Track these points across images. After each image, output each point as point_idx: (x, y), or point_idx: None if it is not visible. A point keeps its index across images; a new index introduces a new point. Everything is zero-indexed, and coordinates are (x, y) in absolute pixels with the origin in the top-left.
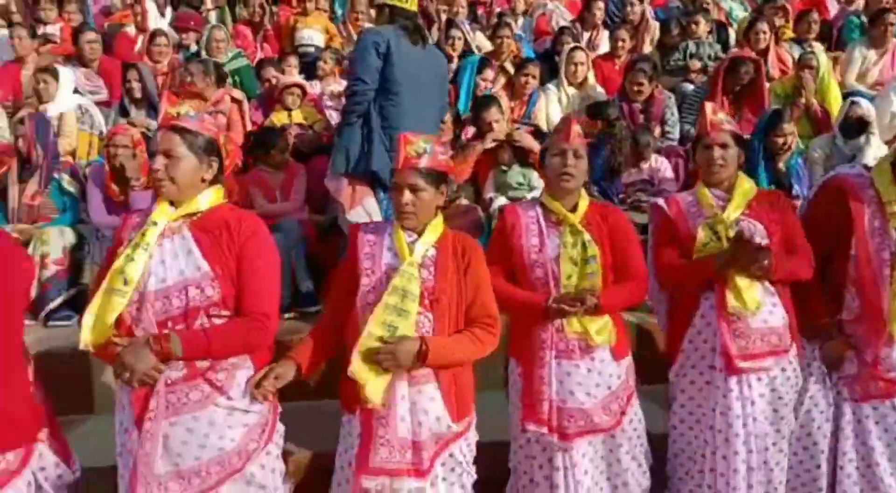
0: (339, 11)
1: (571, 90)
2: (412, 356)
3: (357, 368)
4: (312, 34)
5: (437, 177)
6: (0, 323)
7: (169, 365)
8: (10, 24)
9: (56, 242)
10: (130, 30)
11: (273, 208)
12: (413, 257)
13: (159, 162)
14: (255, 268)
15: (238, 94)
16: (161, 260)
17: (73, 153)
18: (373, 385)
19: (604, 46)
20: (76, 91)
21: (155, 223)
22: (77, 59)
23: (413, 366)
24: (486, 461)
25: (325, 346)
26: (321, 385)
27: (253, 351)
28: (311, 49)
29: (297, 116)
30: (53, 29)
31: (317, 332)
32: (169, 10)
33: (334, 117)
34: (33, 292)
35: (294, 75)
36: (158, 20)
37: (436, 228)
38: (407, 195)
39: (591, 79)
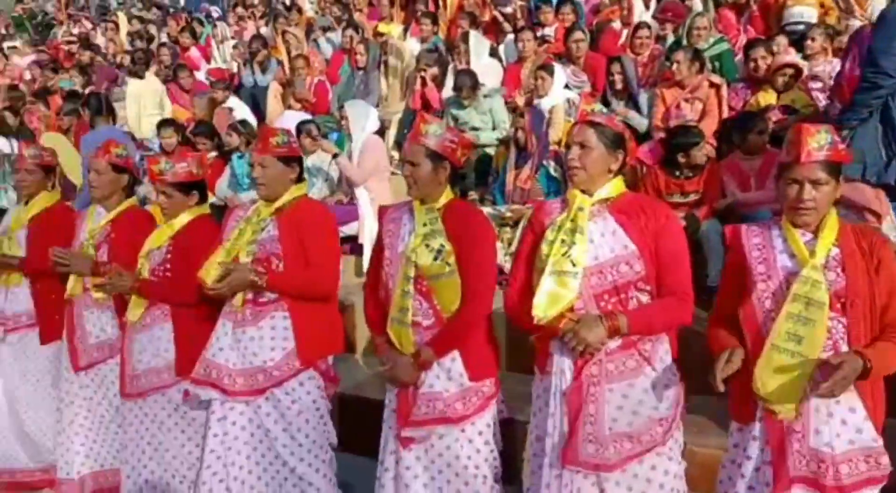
0: None
1: None
2: (855, 375)
3: (765, 386)
4: (804, 10)
5: (836, 168)
6: (478, 284)
7: None
8: (517, 30)
9: None
10: (616, 24)
11: (747, 197)
12: (816, 259)
13: (574, 152)
14: (674, 250)
15: (717, 79)
16: (590, 240)
17: (558, 143)
18: (785, 403)
19: None
20: (566, 86)
21: (581, 209)
22: (566, 56)
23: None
24: None
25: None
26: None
27: (675, 327)
28: (801, 27)
29: (785, 99)
30: (550, 30)
31: (718, 332)
32: (653, 3)
33: (821, 100)
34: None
35: (791, 56)
36: (643, 13)
37: (833, 223)
38: (809, 191)
39: None
